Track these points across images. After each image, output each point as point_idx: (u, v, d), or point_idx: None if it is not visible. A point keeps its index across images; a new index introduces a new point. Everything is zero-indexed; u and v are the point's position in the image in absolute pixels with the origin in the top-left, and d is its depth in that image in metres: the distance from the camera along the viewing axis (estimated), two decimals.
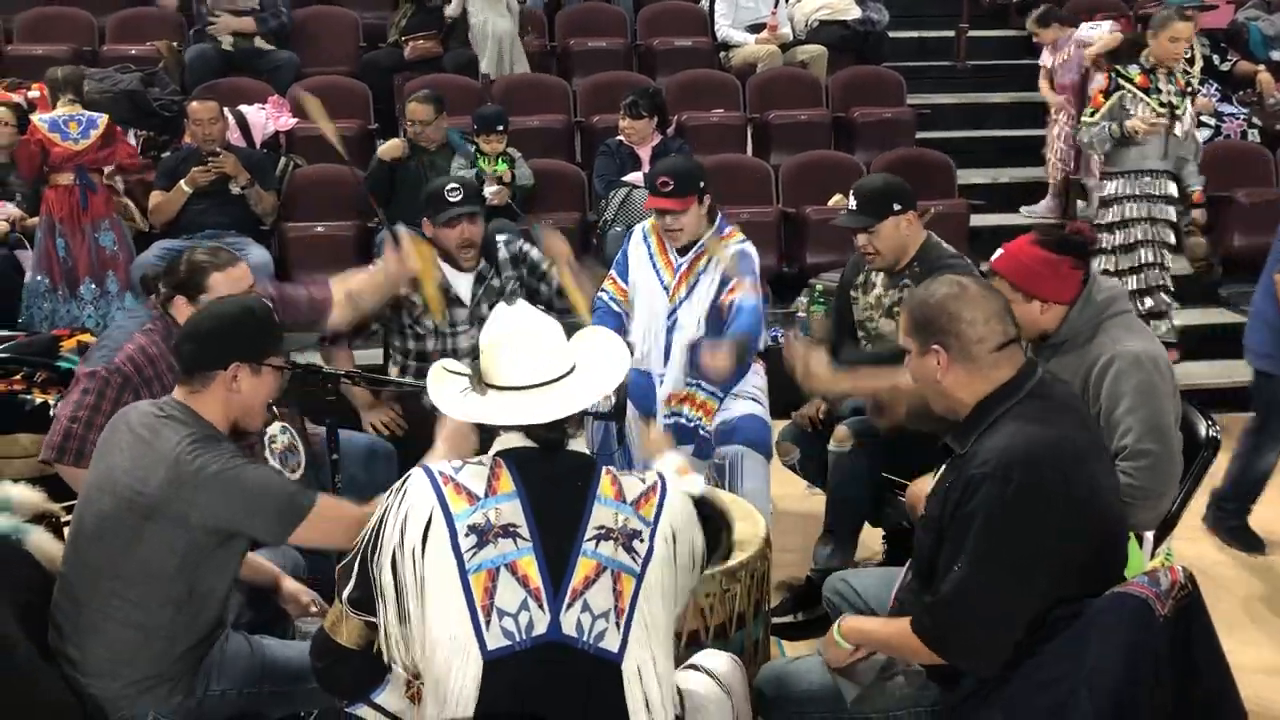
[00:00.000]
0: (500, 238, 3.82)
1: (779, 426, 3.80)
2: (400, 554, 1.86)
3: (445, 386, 2.06)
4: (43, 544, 2.44)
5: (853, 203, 3.39)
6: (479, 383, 2.00)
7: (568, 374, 2.01)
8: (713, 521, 2.09)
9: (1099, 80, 5.31)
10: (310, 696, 2.37)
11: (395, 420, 3.58)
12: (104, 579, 2.21)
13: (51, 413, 3.36)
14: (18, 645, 2.12)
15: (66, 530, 3.15)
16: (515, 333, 2.02)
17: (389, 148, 5.58)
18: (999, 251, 2.81)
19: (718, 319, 3.61)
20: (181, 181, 5.27)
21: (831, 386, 3.05)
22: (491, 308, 3.54)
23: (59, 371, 3.58)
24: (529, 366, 1.98)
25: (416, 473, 1.93)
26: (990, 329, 2.13)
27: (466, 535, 1.84)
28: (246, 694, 2.31)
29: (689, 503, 2.02)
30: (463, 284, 3.68)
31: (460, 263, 3.64)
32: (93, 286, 5.10)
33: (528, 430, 1.95)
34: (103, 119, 5.17)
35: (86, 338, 3.78)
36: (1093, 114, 5.24)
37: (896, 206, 3.33)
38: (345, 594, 1.95)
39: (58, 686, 2.20)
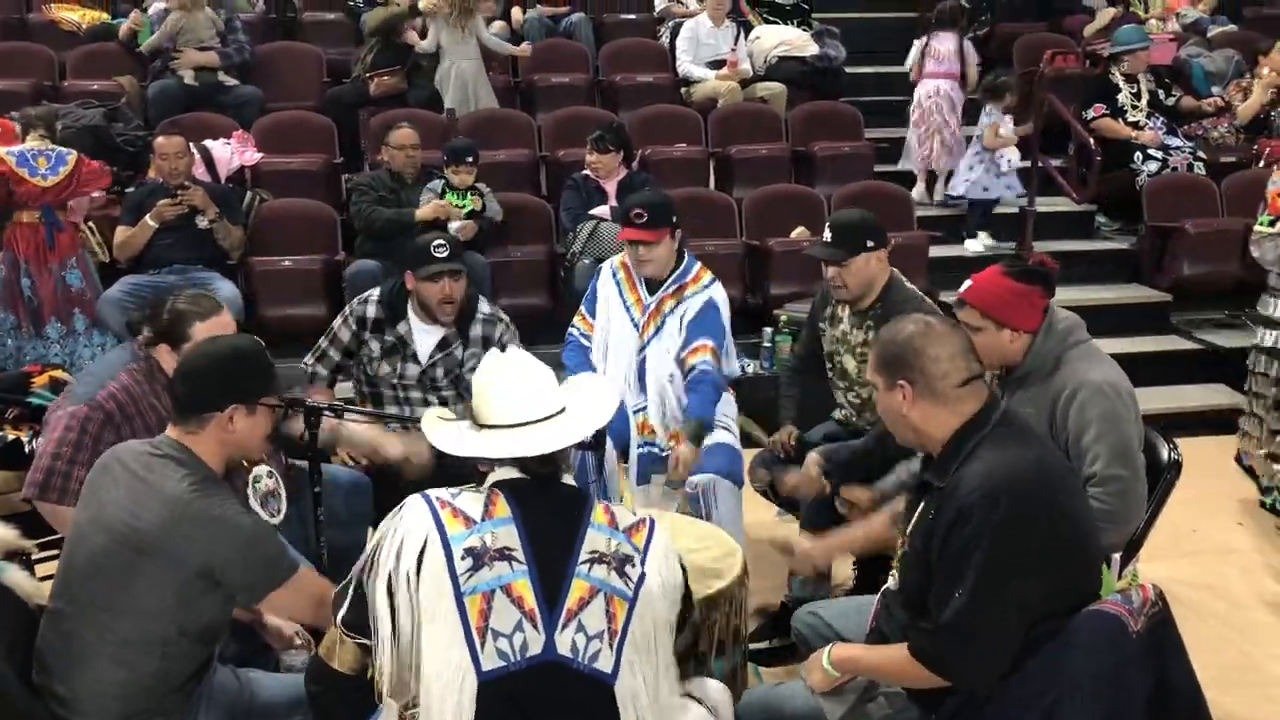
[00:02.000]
0: (482, 311, 3.76)
1: (750, 454, 3.86)
2: (396, 576, 1.90)
3: (441, 428, 2.12)
4: (19, 581, 2.43)
5: (828, 235, 3.47)
6: (473, 423, 2.06)
7: (558, 413, 2.07)
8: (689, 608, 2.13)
9: (1277, 179, 4.45)
10: None
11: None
12: (97, 615, 2.21)
13: (27, 449, 3.34)
14: (9, 682, 2.12)
15: (38, 568, 3.15)
16: (507, 374, 2.09)
17: (434, 210, 5.44)
18: (967, 282, 2.90)
19: (680, 370, 3.68)
20: (147, 217, 5.23)
21: (824, 557, 3.07)
22: (446, 375, 3.67)
23: (30, 408, 3.56)
24: (520, 405, 2.04)
25: (414, 498, 1.98)
26: (954, 365, 2.20)
27: (463, 558, 1.89)
28: None
29: (674, 549, 2.07)
30: (425, 342, 3.68)
31: (439, 317, 3.64)
32: (59, 325, 5.05)
33: (522, 464, 2.00)
34: (72, 155, 5.13)
35: (58, 373, 3.76)
36: (1272, 222, 4.39)
37: (870, 243, 3.41)
38: (340, 617, 1.98)
39: None
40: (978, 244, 6.76)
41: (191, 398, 2.32)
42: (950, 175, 7.10)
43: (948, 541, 2.10)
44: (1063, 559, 2.10)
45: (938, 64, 7.15)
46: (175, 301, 2.92)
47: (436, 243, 3.58)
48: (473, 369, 3.58)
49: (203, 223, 5.36)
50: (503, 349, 3.57)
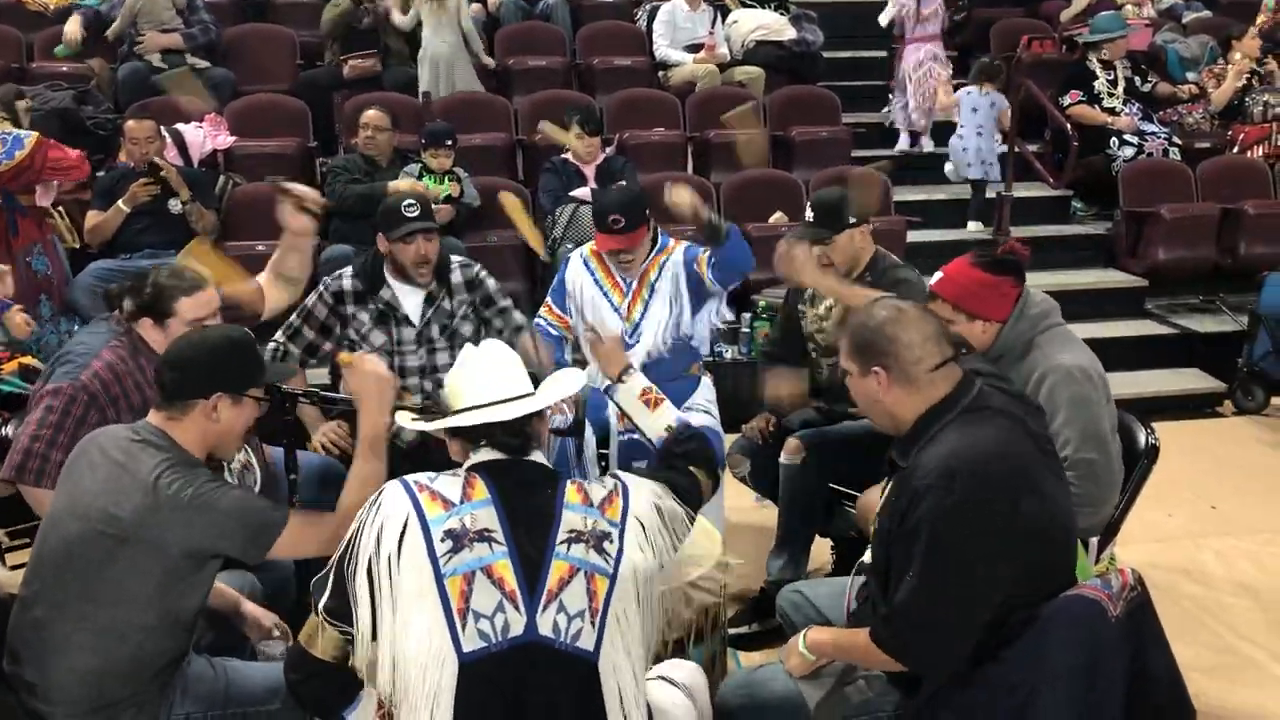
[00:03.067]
0: (455, 260, 3.75)
1: (729, 440, 3.85)
2: (376, 561, 1.89)
3: (412, 417, 2.15)
4: None
5: (810, 215, 3.46)
6: (447, 411, 2.07)
7: (527, 395, 2.08)
8: (691, 457, 2.22)
9: None
10: (275, 719, 2.35)
11: (344, 437, 3.54)
12: (73, 604, 2.17)
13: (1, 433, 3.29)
14: None
15: (10, 556, 3.11)
16: (477, 362, 2.10)
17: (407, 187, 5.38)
18: (938, 275, 2.89)
19: (696, 292, 3.70)
20: (120, 201, 5.18)
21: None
22: (441, 330, 3.63)
23: (0, 394, 3.50)
24: (491, 386, 2.05)
25: (392, 484, 1.98)
26: (927, 350, 2.21)
27: (442, 540, 1.89)
28: (211, 717, 2.28)
29: (649, 496, 2.06)
30: (412, 303, 3.64)
31: (415, 278, 3.60)
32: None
33: (492, 439, 2.01)
34: (30, 137, 4.95)
35: (28, 360, 3.69)
36: None
37: (853, 220, 3.41)
38: (321, 604, 1.98)
39: (17, 714, 2.16)
40: (978, 224, 6.91)
41: (178, 384, 2.29)
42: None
43: (903, 524, 2.11)
44: (1030, 542, 2.09)
45: (924, 26, 7.27)
46: (157, 275, 2.87)
47: (407, 202, 3.53)
48: (464, 316, 3.65)
49: (175, 207, 5.31)
50: (488, 298, 3.65)
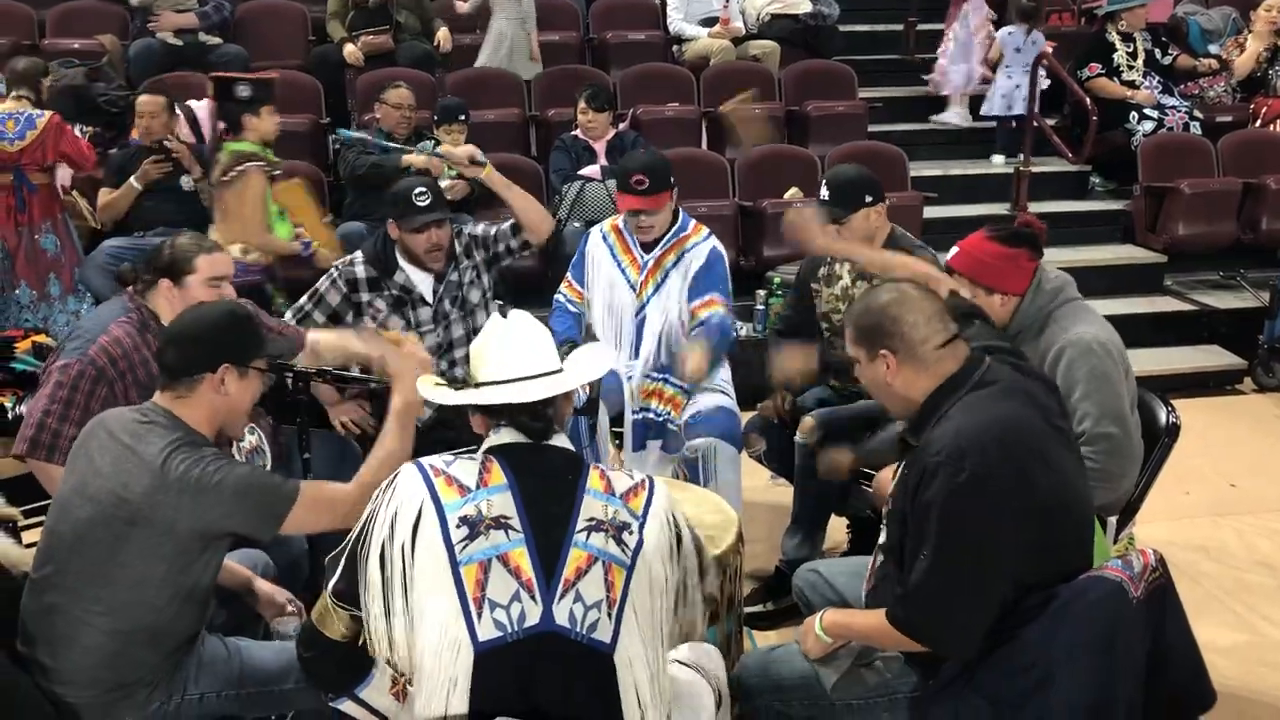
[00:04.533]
0: (460, 228, 3.73)
1: (744, 418, 3.82)
2: (389, 547, 1.87)
3: (435, 389, 2.11)
4: (4, 549, 2.40)
5: (825, 193, 3.42)
6: (469, 383, 2.04)
7: (554, 372, 2.04)
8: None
9: None
10: (288, 698, 2.35)
11: (365, 418, 3.53)
12: (85, 586, 2.17)
13: (10, 415, 3.30)
14: None
15: (24, 535, 3.11)
16: (504, 333, 2.06)
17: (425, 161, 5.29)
18: (954, 250, 2.86)
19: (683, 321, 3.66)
20: (132, 178, 5.16)
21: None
22: (454, 302, 3.62)
23: (14, 374, 3.51)
24: (516, 361, 2.02)
25: (407, 467, 1.95)
26: (932, 328, 2.20)
27: (458, 527, 1.86)
28: (225, 696, 2.28)
29: (674, 511, 2.03)
30: (425, 284, 3.63)
31: (428, 264, 3.59)
32: (30, 291, 4.94)
33: (514, 420, 1.97)
34: (43, 118, 4.95)
35: (42, 339, 3.70)
36: None
37: (868, 198, 3.37)
38: (330, 586, 1.96)
39: (31, 695, 2.16)
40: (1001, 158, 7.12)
41: (183, 360, 2.28)
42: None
43: (916, 502, 2.10)
44: (1043, 517, 2.07)
45: None
46: (175, 239, 2.90)
47: (418, 190, 3.50)
48: (471, 281, 3.64)
49: (187, 184, 5.29)
50: (483, 241, 3.63)
